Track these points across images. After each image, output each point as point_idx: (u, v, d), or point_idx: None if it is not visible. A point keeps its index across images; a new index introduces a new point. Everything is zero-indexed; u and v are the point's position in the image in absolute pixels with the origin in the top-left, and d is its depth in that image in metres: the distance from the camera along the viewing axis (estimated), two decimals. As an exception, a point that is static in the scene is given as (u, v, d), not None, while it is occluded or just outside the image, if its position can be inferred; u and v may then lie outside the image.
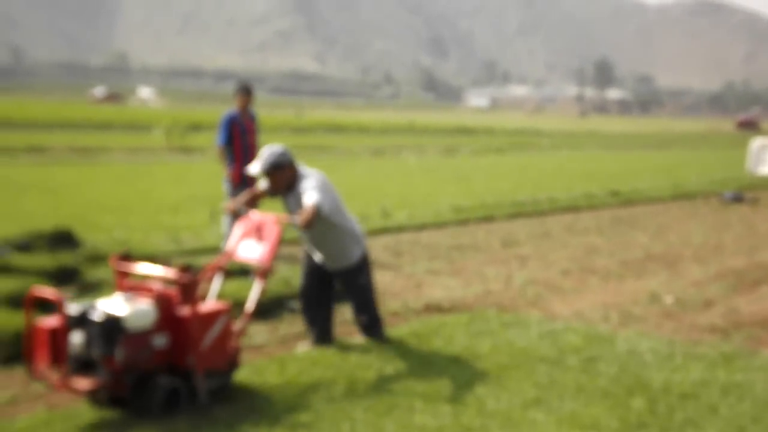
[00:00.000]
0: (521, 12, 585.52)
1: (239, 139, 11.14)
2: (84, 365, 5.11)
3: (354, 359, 6.93)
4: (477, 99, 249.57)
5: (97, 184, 18.34)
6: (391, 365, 6.76)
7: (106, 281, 8.48)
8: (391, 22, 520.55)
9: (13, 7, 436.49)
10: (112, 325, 5.03)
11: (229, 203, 6.89)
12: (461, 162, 31.75)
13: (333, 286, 7.38)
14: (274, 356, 7.01)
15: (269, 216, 6.37)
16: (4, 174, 19.75)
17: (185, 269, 5.48)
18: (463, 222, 15.37)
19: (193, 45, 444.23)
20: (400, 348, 7.29)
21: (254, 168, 6.73)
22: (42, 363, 5.15)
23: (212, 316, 5.60)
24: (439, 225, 14.90)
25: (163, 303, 5.37)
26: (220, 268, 6.25)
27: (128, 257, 5.84)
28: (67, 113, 49.69)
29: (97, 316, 5.07)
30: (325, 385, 6.27)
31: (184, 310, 5.39)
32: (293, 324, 8.12)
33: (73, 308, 5.17)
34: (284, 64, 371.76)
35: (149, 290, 5.48)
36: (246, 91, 11.45)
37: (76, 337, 5.10)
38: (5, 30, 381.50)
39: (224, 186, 11.33)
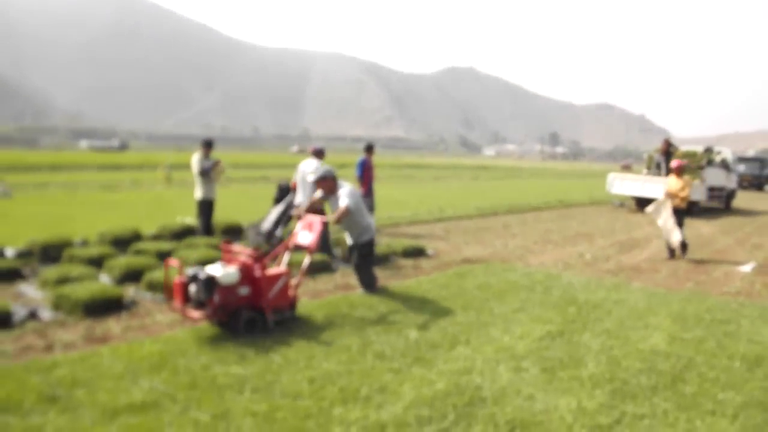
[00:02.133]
0: (511, 106, 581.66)
1: (367, 173, 11.22)
2: (200, 304, 4.88)
3: (421, 287, 6.93)
4: (488, 151, 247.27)
5: (293, 196, 18.67)
6: (445, 290, 6.80)
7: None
8: (444, 111, 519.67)
9: (255, 108, 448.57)
10: (211, 281, 4.82)
11: (296, 210, 6.34)
12: (481, 184, 31.43)
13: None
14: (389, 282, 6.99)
15: (316, 216, 6.03)
16: (244, 190, 20.21)
17: (257, 248, 5.16)
18: (481, 215, 15.22)
19: (341, 124, 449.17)
20: (448, 281, 7.29)
21: (312, 177, 6.41)
22: (176, 302, 4.97)
23: (277, 277, 5.18)
24: (470, 217, 14.78)
25: (245, 268, 5.05)
26: (287, 247, 5.84)
27: (229, 242, 5.51)
28: (278, 160, 50.74)
29: (202, 275, 4.83)
30: (404, 299, 6.30)
31: (258, 273, 5.07)
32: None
33: (189, 271, 4.95)
34: (388, 133, 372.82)
35: (238, 261, 5.14)
36: (371, 148, 11.59)
37: (192, 288, 4.90)
38: (250, 119, 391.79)
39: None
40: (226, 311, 4.89)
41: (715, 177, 19.34)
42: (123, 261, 6.89)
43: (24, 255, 7.58)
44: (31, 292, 6.14)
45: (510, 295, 6.61)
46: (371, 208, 11.43)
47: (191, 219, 10.46)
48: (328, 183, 6.31)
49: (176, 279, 4.97)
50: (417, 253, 8.97)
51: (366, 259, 6.53)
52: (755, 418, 3.77)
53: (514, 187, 29.22)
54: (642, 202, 18.94)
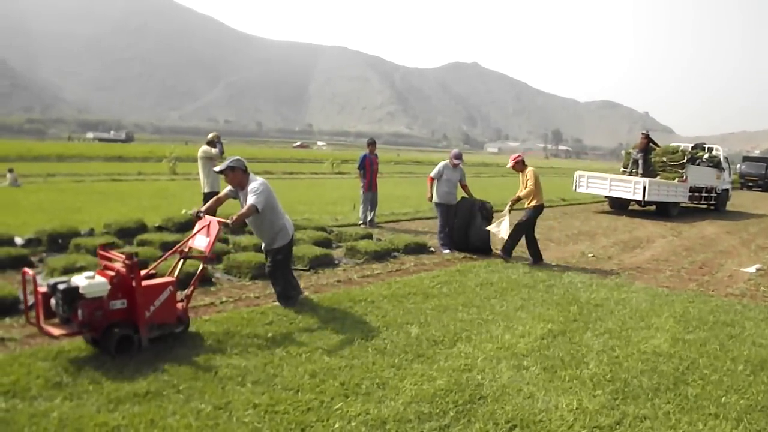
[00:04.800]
0: (514, 103, 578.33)
1: (368, 168, 11.21)
2: (66, 319, 4.19)
3: (423, 283, 6.87)
4: (491, 148, 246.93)
5: (295, 190, 18.62)
6: (447, 287, 6.75)
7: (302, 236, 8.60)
8: (447, 107, 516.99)
9: (259, 103, 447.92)
10: (73, 293, 4.10)
11: (193, 209, 5.32)
12: (483, 180, 31.32)
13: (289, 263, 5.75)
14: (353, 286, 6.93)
15: (214, 218, 5.03)
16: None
17: (129, 257, 4.32)
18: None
19: (344, 120, 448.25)
20: (450, 278, 7.25)
21: (217, 168, 5.45)
22: (37, 317, 4.21)
23: (160, 287, 4.41)
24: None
25: (119, 278, 4.25)
26: (181, 252, 4.95)
27: (108, 247, 4.81)
28: (282, 154, 50.69)
29: (62, 286, 4.12)
30: (405, 295, 6.20)
31: (134, 283, 4.28)
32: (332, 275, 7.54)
33: (50, 280, 4.26)
34: (391, 129, 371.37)
35: (113, 269, 4.35)
36: (373, 143, 11.58)
37: (53, 301, 4.18)
38: (254, 114, 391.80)
39: (360, 191, 11.38)
40: (94, 328, 4.16)
41: (701, 176, 17.99)
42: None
43: (32, 243, 7.70)
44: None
45: (511, 293, 6.58)
46: (374, 203, 11.41)
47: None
48: (236, 175, 5.27)
49: (37, 290, 4.23)
50: (419, 249, 8.95)
51: (280, 267, 5.53)
52: (759, 423, 3.74)
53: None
54: (617, 202, 17.64)
